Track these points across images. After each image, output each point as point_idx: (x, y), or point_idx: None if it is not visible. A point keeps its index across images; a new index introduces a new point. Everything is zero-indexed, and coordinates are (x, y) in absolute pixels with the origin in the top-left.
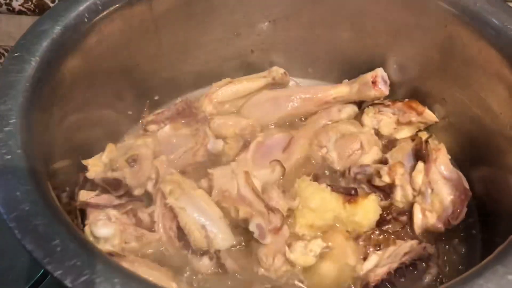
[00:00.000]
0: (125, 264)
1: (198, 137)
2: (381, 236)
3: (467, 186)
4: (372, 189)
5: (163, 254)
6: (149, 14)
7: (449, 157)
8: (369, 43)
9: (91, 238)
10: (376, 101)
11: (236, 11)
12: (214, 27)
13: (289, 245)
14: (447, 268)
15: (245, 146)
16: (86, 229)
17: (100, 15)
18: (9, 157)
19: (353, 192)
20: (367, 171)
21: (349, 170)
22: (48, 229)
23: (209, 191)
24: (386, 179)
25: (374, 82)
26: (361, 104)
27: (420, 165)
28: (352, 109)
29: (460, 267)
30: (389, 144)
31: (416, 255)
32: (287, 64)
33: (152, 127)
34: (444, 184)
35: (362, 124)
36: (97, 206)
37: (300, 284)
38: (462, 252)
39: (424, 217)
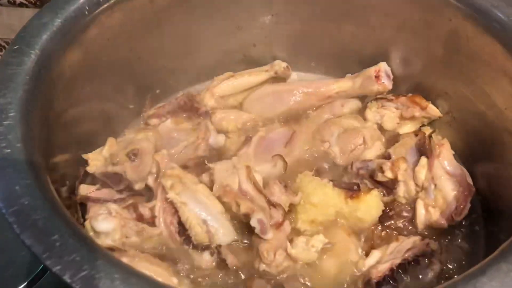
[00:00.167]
0: (125, 259)
1: (199, 131)
2: (384, 232)
3: (471, 182)
4: (374, 184)
5: (164, 249)
6: (150, 7)
7: (453, 152)
8: (373, 37)
9: (91, 233)
10: (379, 96)
11: (238, 4)
12: (216, 20)
13: (291, 241)
14: (450, 265)
15: (247, 140)
16: (87, 223)
17: (101, 8)
18: (8, 150)
19: (355, 187)
20: (370, 166)
21: (352, 165)
22: (48, 223)
23: (210, 186)
24: (389, 174)
25: (377, 77)
26: (364, 99)
27: (423, 160)
28: (355, 104)
29: (463, 263)
30: (392, 139)
31: (419, 251)
32: (290, 58)
33: (154, 121)
34: (448, 180)
35: (365, 119)
36: (97, 201)
37: (301, 280)
38: (466, 248)
39: (427, 213)
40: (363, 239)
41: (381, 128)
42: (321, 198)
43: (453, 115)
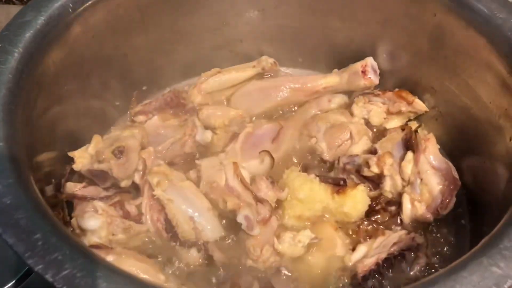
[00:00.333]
0: (112, 257)
1: (186, 127)
2: (370, 226)
3: (457, 176)
4: (361, 179)
5: (150, 246)
6: (134, 4)
7: (439, 147)
8: (359, 32)
9: (77, 230)
10: (366, 91)
11: (224, 0)
12: (202, 16)
13: (278, 236)
14: (436, 258)
15: (234, 136)
16: (73, 221)
17: (85, 5)
18: None
19: (341, 182)
20: (356, 161)
21: (338, 161)
22: (30, 222)
23: (197, 183)
24: (375, 169)
25: (364, 72)
26: (351, 94)
27: (410, 155)
28: (342, 99)
29: (449, 257)
30: (379, 134)
31: (405, 246)
32: (277, 54)
33: (140, 118)
34: (433, 174)
35: (352, 114)
36: (83, 198)
37: (288, 275)
38: (451, 242)
39: (413, 207)
40: (349, 234)
41: (368, 123)
42: (308, 193)
43: (439, 110)
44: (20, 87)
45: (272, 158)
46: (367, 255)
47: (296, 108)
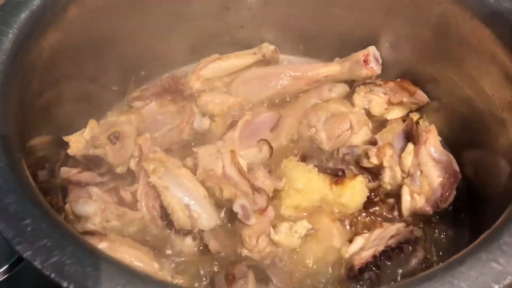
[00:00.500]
0: (105, 243)
1: (184, 114)
2: (368, 218)
3: (457, 169)
4: (360, 170)
5: (145, 233)
6: None
7: (440, 139)
8: (362, 20)
9: (71, 216)
10: (367, 81)
11: None
12: (202, 0)
13: (274, 226)
14: (434, 252)
15: (233, 124)
16: (67, 206)
17: None
18: None
19: (340, 173)
20: (356, 152)
21: (338, 151)
22: (20, 208)
23: (194, 170)
24: (374, 160)
25: (366, 61)
26: (352, 83)
27: (410, 146)
28: (343, 88)
29: (447, 251)
30: (380, 124)
31: (403, 238)
32: (278, 41)
33: (137, 104)
34: (434, 166)
35: (352, 104)
36: (78, 184)
37: (284, 266)
38: (450, 235)
39: (413, 200)
40: (347, 225)
41: (368, 113)
42: (306, 183)
43: (441, 101)
44: (14, 69)
45: (271, 147)
46: (364, 247)
47: (296, 96)
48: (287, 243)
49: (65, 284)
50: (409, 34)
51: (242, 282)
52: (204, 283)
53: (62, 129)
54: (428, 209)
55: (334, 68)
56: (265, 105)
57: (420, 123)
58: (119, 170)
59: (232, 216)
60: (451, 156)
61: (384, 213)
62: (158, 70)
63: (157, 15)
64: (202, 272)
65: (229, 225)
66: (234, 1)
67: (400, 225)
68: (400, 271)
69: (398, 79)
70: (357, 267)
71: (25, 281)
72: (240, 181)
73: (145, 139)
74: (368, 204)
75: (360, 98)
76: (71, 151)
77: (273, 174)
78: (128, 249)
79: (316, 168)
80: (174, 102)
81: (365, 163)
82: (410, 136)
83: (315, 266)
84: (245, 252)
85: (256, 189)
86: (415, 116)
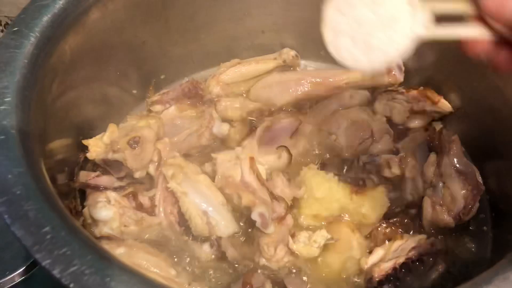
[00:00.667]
0: (123, 249)
1: (203, 119)
2: (388, 229)
3: (481, 180)
4: (381, 180)
5: (163, 239)
6: None
7: (463, 149)
8: None
9: (89, 220)
10: (389, 88)
11: None
12: (224, 5)
13: (293, 235)
14: (456, 265)
15: (252, 130)
16: (85, 211)
17: None
18: (2, 137)
19: (361, 182)
20: (377, 161)
21: (358, 159)
22: (39, 215)
23: (212, 176)
24: (396, 170)
25: (388, 68)
26: (373, 91)
27: (433, 156)
28: (364, 95)
29: (469, 264)
30: (401, 133)
31: (423, 251)
32: (299, 46)
33: (157, 108)
34: (457, 178)
35: (374, 112)
36: (97, 188)
37: (302, 276)
38: (472, 249)
39: (434, 211)
40: (367, 236)
41: (390, 121)
42: (325, 192)
43: (465, 111)
44: (35, 72)
45: (290, 154)
46: (384, 258)
47: (316, 103)
48: (305, 252)
49: None
50: (433, 42)
51: None
52: None
53: (82, 133)
54: (450, 221)
55: (355, 74)
56: (285, 111)
57: (443, 132)
58: (138, 175)
59: (250, 223)
60: (474, 167)
61: (405, 224)
62: (178, 74)
63: (179, 20)
64: (219, 280)
65: (247, 233)
66: (256, 6)
67: (421, 237)
68: (420, 284)
69: (421, 87)
70: (377, 279)
71: (41, 284)
72: (259, 189)
73: (164, 144)
74: (389, 214)
75: (381, 105)
76: (90, 155)
77: (292, 182)
78: (145, 255)
79: (336, 177)
80: (193, 107)
81: (387, 173)
82: (433, 146)
83: (334, 277)
84: (263, 261)
85: (274, 197)
86: (438, 126)
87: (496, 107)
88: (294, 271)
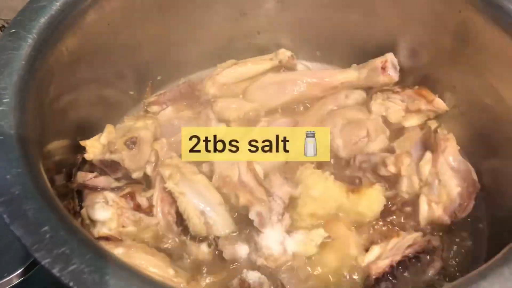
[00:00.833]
0: (121, 249)
1: (200, 120)
2: (385, 227)
3: (476, 178)
4: (377, 178)
5: (160, 239)
6: None
7: (458, 147)
8: (380, 27)
9: (87, 221)
10: (385, 88)
11: None
12: (219, 6)
13: (290, 234)
14: (452, 262)
15: None
16: (83, 211)
17: None
18: (1, 138)
19: (357, 181)
20: (373, 160)
21: (354, 158)
22: (38, 214)
23: (210, 176)
24: (392, 169)
25: (383, 68)
26: (369, 90)
27: (428, 155)
28: (359, 95)
29: (465, 261)
30: (397, 132)
31: (420, 248)
32: (295, 47)
33: (154, 108)
34: (452, 176)
35: (369, 111)
36: (94, 188)
37: (300, 274)
38: (468, 246)
39: (430, 209)
40: (363, 234)
41: (386, 120)
42: (322, 191)
43: (460, 109)
44: (33, 74)
45: None
46: (381, 256)
47: (312, 103)
48: (303, 251)
49: None
50: (428, 41)
51: None
52: None
53: (79, 133)
54: (446, 219)
55: (351, 74)
56: (281, 111)
57: (438, 131)
58: (135, 175)
59: (247, 223)
60: (469, 165)
61: (401, 222)
62: (174, 75)
63: (175, 21)
64: (217, 279)
65: (245, 232)
66: (252, 7)
67: (417, 235)
68: (417, 281)
69: (416, 87)
70: (374, 276)
71: (40, 284)
72: (256, 188)
73: (161, 144)
74: (385, 212)
75: (377, 105)
76: (87, 155)
77: (289, 181)
78: (143, 255)
79: (332, 176)
80: (190, 107)
81: (383, 172)
82: (428, 144)
83: (331, 275)
84: (260, 260)
85: (272, 197)
86: (433, 124)
87: (491, 105)
88: (291, 269)
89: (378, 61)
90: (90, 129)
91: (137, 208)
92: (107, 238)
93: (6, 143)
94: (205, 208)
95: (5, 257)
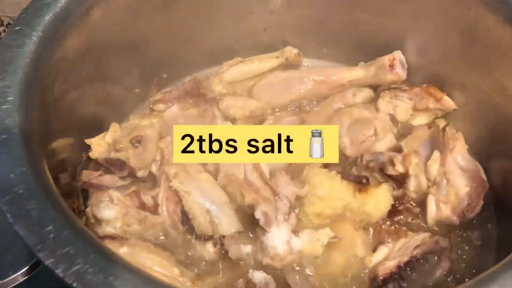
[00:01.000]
0: (126, 248)
1: (206, 118)
2: (392, 227)
3: (485, 178)
4: (384, 178)
5: (166, 238)
6: None
7: (467, 146)
8: (388, 24)
9: (92, 220)
10: (392, 86)
11: None
12: (226, 4)
13: (296, 234)
14: (460, 263)
15: None
16: (88, 210)
17: None
18: (5, 136)
19: (364, 180)
20: (380, 159)
21: (362, 158)
22: (42, 214)
23: (215, 175)
24: (400, 168)
25: (391, 66)
26: (377, 88)
27: (436, 154)
28: (367, 93)
29: (474, 262)
30: (405, 131)
31: (428, 249)
32: (301, 44)
33: (159, 106)
34: (461, 175)
35: (377, 109)
36: (99, 187)
37: (306, 275)
38: (477, 246)
39: (438, 209)
40: (371, 234)
41: (393, 119)
42: (329, 191)
43: (469, 108)
44: (37, 71)
45: None
46: (388, 257)
47: (319, 101)
48: (309, 251)
49: None
50: (436, 39)
51: None
52: None
53: (84, 132)
54: (454, 219)
55: (358, 72)
56: (287, 109)
57: (446, 130)
58: (141, 174)
59: (253, 222)
60: (478, 164)
61: (409, 222)
62: (180, 73)
63: (181, 19)
64: (222, 278)
65: (250, 231)
66: (258, 4)
67: (425, 235)
68: (425, 282)
69: (424, 85)
70: (381, 277)
71: (44, 283)
72: (262, 187)
73: (167, 143)
74: (393, 212)
75: (385, 103)
76: (92, 154)
77: (295, 181)
78: (148, 254)
79: (339, 175)
80: (196, 105)
81: (390, 171)
82: (436, 143)
83: (338, 275)
84: (266, 260)
85: (278, 196)
86: (441, 123)
87: (499, 104)
88: (297, 269)
89: (386, 59)
90: (95, 127)
91: (142, 207)
92: (112, 237)
93: (10, 141)
94: (210, 207)
95: (10, 255)
